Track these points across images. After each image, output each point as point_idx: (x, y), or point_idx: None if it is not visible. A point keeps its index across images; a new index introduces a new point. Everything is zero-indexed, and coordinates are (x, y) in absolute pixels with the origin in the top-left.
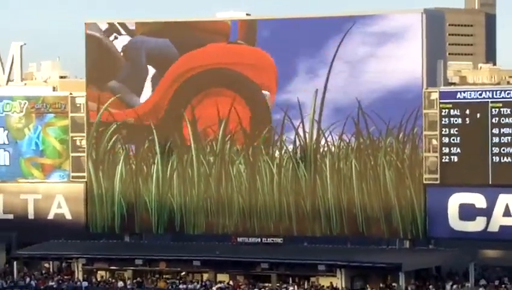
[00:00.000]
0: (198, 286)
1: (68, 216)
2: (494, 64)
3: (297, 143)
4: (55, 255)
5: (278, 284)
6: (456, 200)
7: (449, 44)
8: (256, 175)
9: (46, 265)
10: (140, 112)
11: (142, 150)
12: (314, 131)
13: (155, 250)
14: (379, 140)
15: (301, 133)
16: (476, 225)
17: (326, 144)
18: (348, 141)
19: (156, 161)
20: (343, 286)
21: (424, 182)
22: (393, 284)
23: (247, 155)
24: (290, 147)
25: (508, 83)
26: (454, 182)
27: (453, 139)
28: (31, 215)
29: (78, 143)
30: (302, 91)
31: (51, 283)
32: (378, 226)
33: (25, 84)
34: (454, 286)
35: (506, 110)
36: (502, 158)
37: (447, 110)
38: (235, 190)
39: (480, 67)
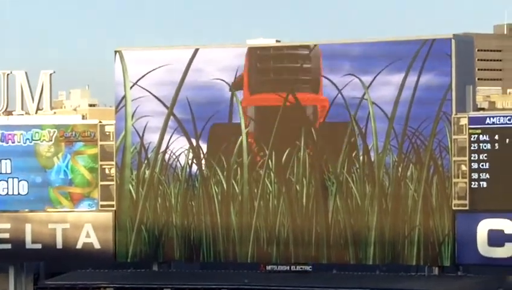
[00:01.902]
0: None
1: (97, 245)
2: None
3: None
4: (83, 285)
5: None
6: (485, 226)
7: (478, 69)
8: (286, 201)
9: None
10: None
11: (169, 178)
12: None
13: (183, 279)
14: (408, 166)
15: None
16: (505, 251)
17: (354, 169)
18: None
19: (183, 189)
20: None
21: (453, 208)
22: None
23: (276, 181)
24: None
25: None
26: (483, 208)
27: (482, 165)
28: (59, 245)
29: (107, 171)
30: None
31: None
32: (407, 253)
33: (55, 112)
34: None
35: None
36: None
37: (476, 135)
38: (262, 217)
39: (509, 93)
